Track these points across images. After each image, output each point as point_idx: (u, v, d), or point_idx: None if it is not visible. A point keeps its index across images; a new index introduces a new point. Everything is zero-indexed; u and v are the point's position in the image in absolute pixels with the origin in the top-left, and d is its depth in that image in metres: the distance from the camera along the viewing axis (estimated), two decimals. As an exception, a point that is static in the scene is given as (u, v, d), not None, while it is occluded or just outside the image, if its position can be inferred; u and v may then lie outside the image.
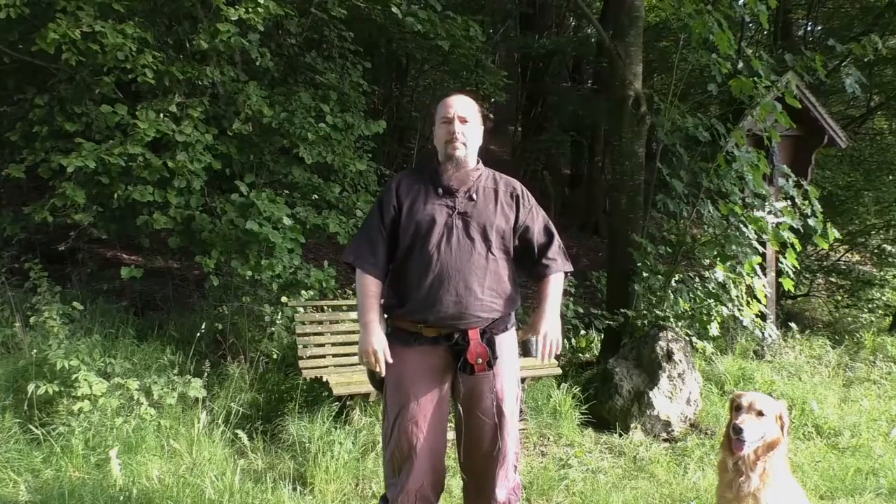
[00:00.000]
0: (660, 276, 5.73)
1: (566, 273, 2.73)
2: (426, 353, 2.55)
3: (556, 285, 2.68)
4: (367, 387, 4.26)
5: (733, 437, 2.54)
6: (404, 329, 2.58)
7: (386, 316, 2.63)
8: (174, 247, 5.00)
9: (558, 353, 2.59)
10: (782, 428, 2.57)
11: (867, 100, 11.65)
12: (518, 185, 2.73)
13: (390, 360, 2.51)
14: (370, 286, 2.58)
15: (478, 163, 2.70)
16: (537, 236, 2.68)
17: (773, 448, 2.54)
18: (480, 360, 2.49)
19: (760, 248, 5.89)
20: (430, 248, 2.51)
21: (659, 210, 6.08)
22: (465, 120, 2.61)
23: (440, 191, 2.58)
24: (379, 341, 2.50)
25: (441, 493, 2.72)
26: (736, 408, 2.62)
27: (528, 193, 2.73)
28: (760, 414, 2.55)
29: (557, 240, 2.73)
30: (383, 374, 2.53)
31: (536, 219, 2.70)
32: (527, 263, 2.71)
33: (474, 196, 2.59)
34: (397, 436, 2.58)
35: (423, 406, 2.57)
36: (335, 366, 4.57)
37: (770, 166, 6.11)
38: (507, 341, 2.66)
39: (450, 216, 2.55)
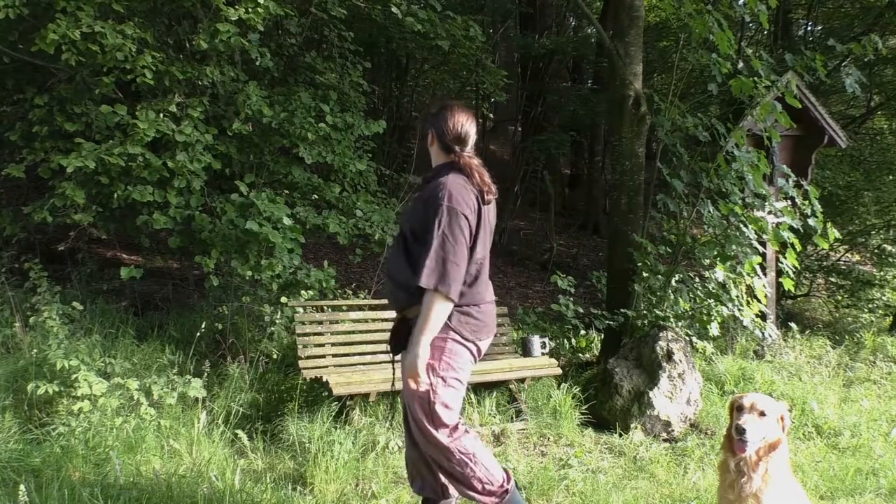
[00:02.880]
0: (660, 276, 5.73)
1: (436, 290, 2.55)
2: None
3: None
4: (367, 387, 4.26)
5: (736, 438, 2.54)
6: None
7: None
8: (174, 247, 5.00)
9: (415, 380, 2.61)
10: (783, 429, 2.57)
11: (867, 100, 11.67)
12: (439, 195, 2.62)
13: None
14: None
15: (436, 175, 2.78)
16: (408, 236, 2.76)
17: (775, 449, 2.54)
18: (390, 343, 2.81)
19: (760, 248, 5.89)
20: None
21: (659, 210, 6.08)
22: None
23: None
24: None
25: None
26: (738, 409, 2.61)
27: (437, 204, 2.60)
28: (762, 414, 2.55)
29: (429, 250, 2.57)
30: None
31: (410, 220, 2.76)
32: None
33: (410, 202, 3.01)
34: None
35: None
36: (335, 366, 4.57)
37: (770, 166, 6.12)
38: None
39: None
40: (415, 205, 2.80)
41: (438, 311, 2.57)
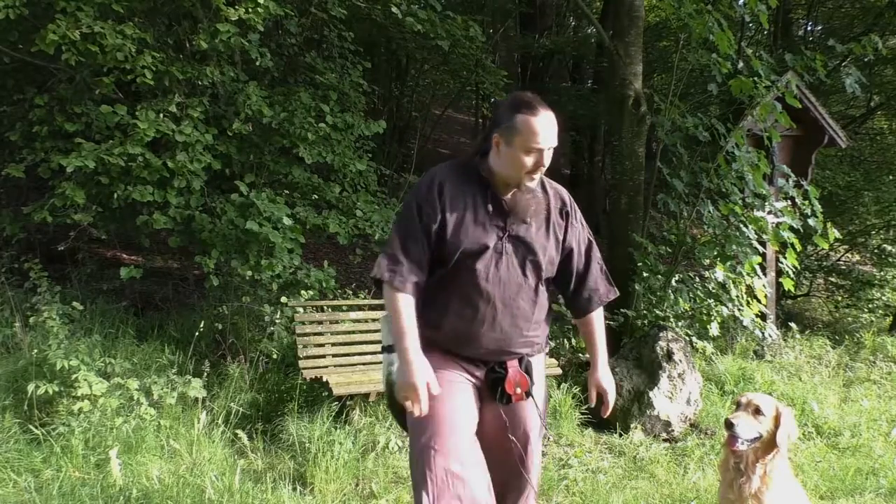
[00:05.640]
0: (660, 276, 5.73)
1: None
2: (457, 368, 2.29)
3: (600, 324, 2.46)
4: (367, 387, 4.26)
5: (727, 433, 2.55)
6: (434, 343, 2.27)
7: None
8: (174, 247, 5.00)
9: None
10: (776, 427, 2.55)
11: (867, 100, 11.66)
12: (567, 196, 2.39)
13: (437, 391, 2.15)
14: (410, 308, 2.19)
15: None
16: (577, 260, 2.38)
17: (773, 449, 2.54)
18: (519, 390, 2.28)
19: (760, 248, 5.88)
20: (476, 277, 2.18)
21: (659, 210, 6.08)
22: (551, 149, 2.23)
23: (490, 208, 2.22)
24: (425, 374, 2.13)
25: None
26: (735, 405, 2.65)
27: (576, 206, 2.40)
28: (758, 412, 2.55)
29: (597, 261, 2.42)
30: (425, 412, 2.13)
31: (582, 239, 2.39)
32: (565, 290, 2.42)
33: (528, 218, 2.25)
34: (438, 472, 2.12)
35: (462, 429, 2.22)
36: (335, 366, 4.57)
37: (770, 166, 6.11)
38: (539, 363, 2.41)
39: (500, 239, 2.21)
40: (540, 222, 2.28)
41: None
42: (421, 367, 2.13)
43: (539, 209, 2.27)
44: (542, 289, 2.29)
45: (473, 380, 2.29)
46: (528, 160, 2.16)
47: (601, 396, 2.44)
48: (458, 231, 2.19)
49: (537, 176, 2.22)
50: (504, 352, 2.26)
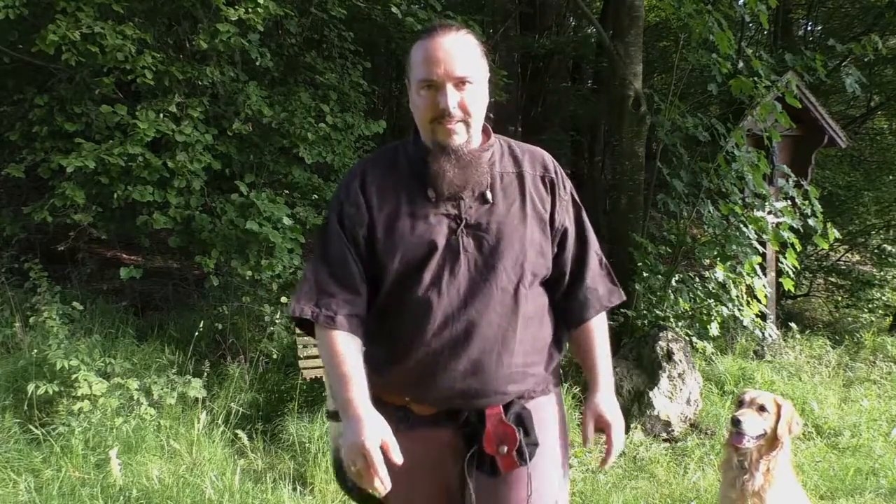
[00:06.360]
0: (660, 276, 5.73)
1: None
2: (417, 441, 1.57)
3: (601, 337, 1.75)
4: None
5: (732, 430, 2.56)
6: (383, 401, 1.59)
7: None
8: (174, 247, 5.00)
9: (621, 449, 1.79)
10: (777, 422, 2.56)
11: (867, 100, 11.65)
12: (549, 160, 1.71)
13: (399, 460, 1.47)
14: (349, 346, 1.57)
15: (485, 135, 1.66)
16: (571, 247, 1.70)
17: (777, 447, 2.55)
18: (505, 449, 1.57)
19: (760, 248, 5.89)
20: (424, 290, 1.56)
21: (659, 210, 6.08)
22: (463, 82, 1.53)
23: (431, 193, 1.58)
24: (379, 432, 1.47)
25: None
26: (738, 403, 2.66)
27: (563, 173, 1.72)
28: (762, 409, 2.56)
29: (595, 251, 1.75)
30: (388, 489, 1.45)
31: (572, 217, 1.71)
32: (554, 290, 1.71)
33: (489, 195, 1.60)
34: None
35: None
36: (335, 366, 4.56)
37: (770, 166, 6.11)
38: (547, 409, 1.70)
39: (453, 233, 1.57)
40: (511, 198, 1.63)
41: None
42: (374, 424, 1.47)
43: (495, 173, 1.62)
44: (527, 293, 1.61)
45: (440, 450, 1.62)
46: (428, 101, 1.54)
47: (603, 431, 1.81)
48: (393, 230, 1.57)
49: (454, 127, 1.55)
50: (479, 393, 1.56)
